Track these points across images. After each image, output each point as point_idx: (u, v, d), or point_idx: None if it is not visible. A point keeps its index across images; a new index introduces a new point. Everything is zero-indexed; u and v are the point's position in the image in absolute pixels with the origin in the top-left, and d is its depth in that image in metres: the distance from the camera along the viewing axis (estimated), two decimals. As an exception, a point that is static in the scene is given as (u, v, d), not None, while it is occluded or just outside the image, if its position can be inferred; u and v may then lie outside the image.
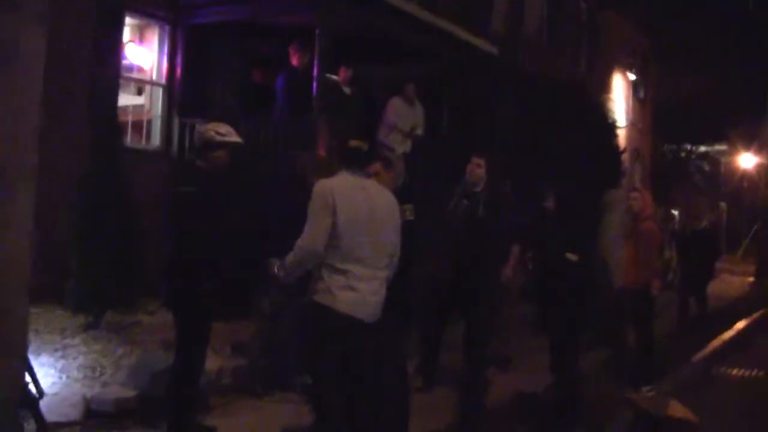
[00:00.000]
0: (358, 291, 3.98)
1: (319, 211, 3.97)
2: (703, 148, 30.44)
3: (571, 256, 5.97)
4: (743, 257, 24.02)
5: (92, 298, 6.78)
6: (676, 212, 23.06)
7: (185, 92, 8.97)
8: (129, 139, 8.36)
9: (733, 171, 30.08)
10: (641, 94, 21.59)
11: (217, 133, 4.76)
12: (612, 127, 13.81)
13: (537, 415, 6.04)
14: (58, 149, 6.67)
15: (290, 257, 4.06)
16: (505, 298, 7.27)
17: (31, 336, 5.43)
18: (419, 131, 9.77)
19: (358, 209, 4.04)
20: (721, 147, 30.60)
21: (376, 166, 4.48)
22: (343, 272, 3.96)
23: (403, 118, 9.57)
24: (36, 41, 2.60)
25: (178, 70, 8.96)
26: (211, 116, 8.26)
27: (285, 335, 5.98)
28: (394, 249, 4.22)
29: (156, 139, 8.92)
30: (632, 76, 20.21)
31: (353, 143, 4.29)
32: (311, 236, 3.98)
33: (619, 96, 19.26)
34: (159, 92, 8.94)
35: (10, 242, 2.41)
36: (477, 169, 6.51)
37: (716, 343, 9.99)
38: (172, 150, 8.87)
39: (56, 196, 6.67)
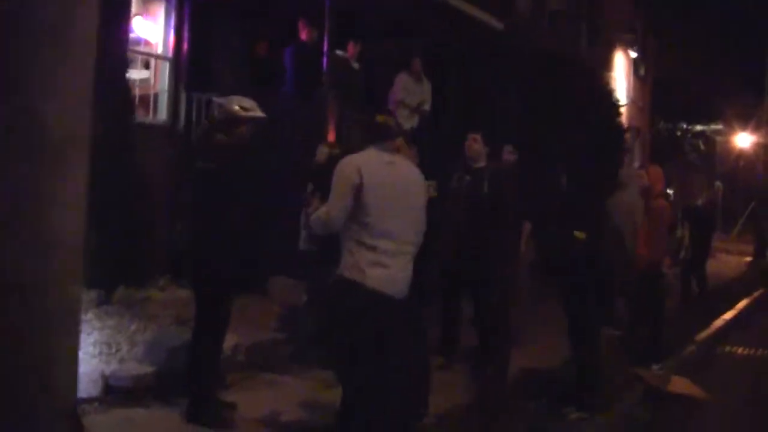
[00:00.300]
0: (388, 267, 3.95)
1: (343, 187, 3.95)
2: (699, 127, 30.50)
3: (579, 234, 5.94)
4: (739, 236, 24.11)
5: (104, 274, 6.74)
6: (671, 191, 23.07)
7: (192, 67, 8.86)
8: (136, 114, 8.26)
9: (728, 150, 30.13)
10: (641, 72, 21.51)
11: (242, 107, 4.69)
12: (616, 105, 13.76)
13: (547, 393, 6.04)
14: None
15: (313, 216, 4.12)
16: (512, 291, 7.07)
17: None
18: (426, 107, 9.73)
19: (385, 184, 4.01)
20: (716, 126, 30.65)
21: (399, 142, 4.45)
22: (373, 248, 3.94)
23: (410, 93, 9.54)
24: (88, 21, 2.62)
25: (185, 45, 8.84)
26: (219, 91, 8.20)
27: (303, 312, 5.97)
28: (421, 224, 4.20)
29: (163, 113, 8.82)
30: (633, 54, 20.11)
31: (380, 118, 4.23)
32: (327, 211, 3.99)
33: (620, 74, 19.20)
34: (166, 66, 8.83)
35: (65, 219, 2.39)
36: (474, 144, 6.47)
37: (718, 322, 10.08)
38: (179, 124, 8.79)
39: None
